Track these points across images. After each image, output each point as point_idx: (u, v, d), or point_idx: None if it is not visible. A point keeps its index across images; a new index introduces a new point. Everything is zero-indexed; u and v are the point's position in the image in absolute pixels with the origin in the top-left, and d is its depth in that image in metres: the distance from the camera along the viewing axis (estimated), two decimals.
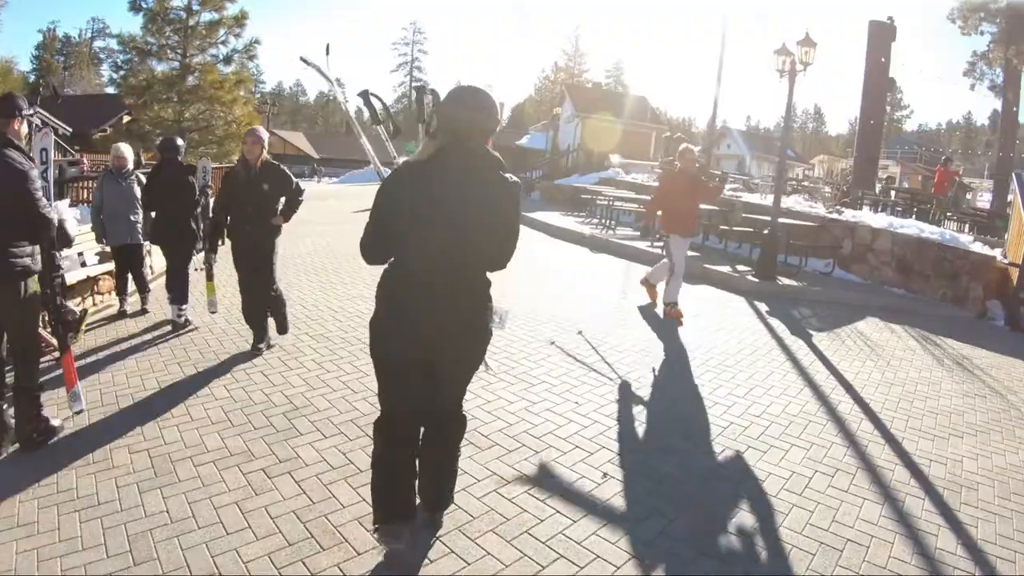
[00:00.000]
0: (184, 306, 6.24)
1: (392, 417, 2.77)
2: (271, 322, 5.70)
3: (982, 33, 26.68)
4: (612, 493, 3.46)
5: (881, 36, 20.26)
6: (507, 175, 2.62)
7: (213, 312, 6.46)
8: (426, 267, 2.56)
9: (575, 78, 68.00)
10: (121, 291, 6.93)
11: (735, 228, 11.67)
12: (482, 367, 2.96)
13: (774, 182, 13.37)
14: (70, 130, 19.83)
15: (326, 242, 11.72)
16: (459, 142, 2.56)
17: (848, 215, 12.15)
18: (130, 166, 7.01)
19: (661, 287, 7.63)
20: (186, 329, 6.16)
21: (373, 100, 3.99)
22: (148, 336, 5.98)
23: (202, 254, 6.36)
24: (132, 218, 6.76)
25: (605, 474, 3.64)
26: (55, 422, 3.92)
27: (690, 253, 11.44)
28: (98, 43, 69.18)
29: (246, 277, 5.54)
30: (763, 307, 8.45)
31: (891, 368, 6.18)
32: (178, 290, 6.22)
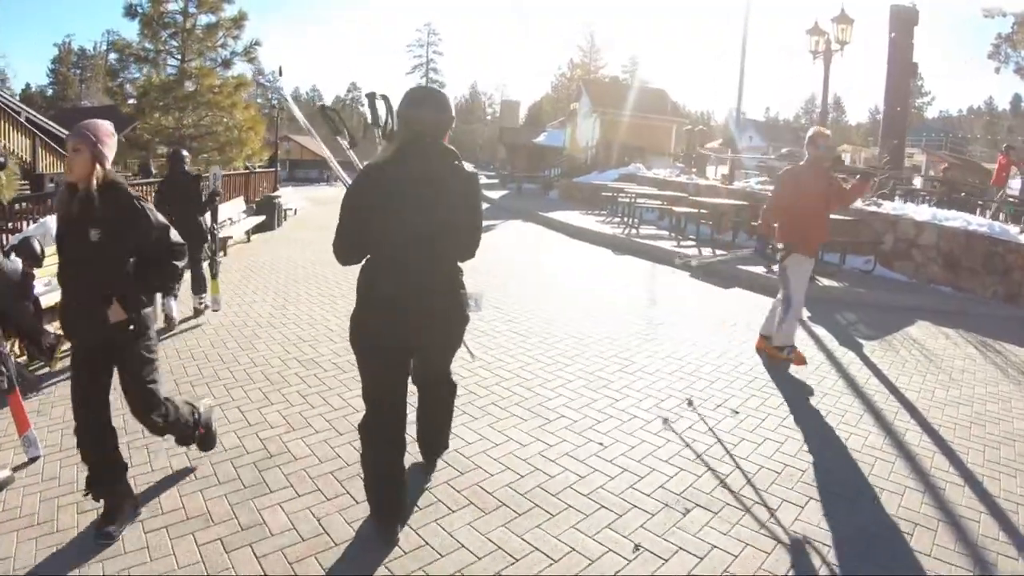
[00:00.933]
0: (204, 295, 6.92)
1: (376, 415, 2.86)
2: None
3: (1005, 15, 26.19)
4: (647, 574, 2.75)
5: (903, 20, 19.88)
6: (464, 166, 2.76)
7: (216, 310, 6.97)
8: (398, 261, 2.68)
9: (592, 74, 67.02)
10: None
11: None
12: (468, 356, 3.17)
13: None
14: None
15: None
16: (418, 141, 2.68)
17: (888, 207, 11.29)
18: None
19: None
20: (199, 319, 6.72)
21: (329, 114, 4.31)
22: None
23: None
24: None
25: (637, 546, 2.92)
26: (2, 473, 3.40)
27: (721, 253, 10.93)
28: (113, 55, 69.45)
29: (85, 388, 3.01)
30: (804, 312, 7.67)
31: (954, 383, 5.39)
32: (195, 283, 6.88)
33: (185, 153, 7.42)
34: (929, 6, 20.87)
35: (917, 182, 21.41)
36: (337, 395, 4.57)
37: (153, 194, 7.33)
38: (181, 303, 6.72)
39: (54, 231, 3.31)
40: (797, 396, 4.86)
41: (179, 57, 12.69)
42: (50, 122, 24.52)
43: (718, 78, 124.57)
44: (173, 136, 12.73)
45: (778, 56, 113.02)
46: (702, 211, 12.25)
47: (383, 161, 2.71)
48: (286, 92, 4.72)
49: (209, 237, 7.13)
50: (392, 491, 2.85)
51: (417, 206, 2.63)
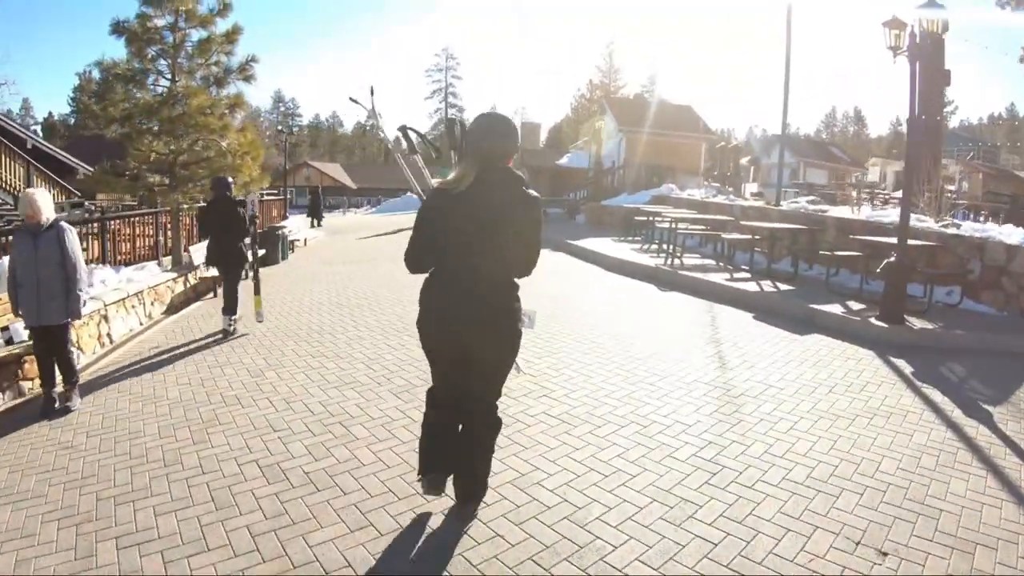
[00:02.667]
0: (234, 317, 7.32)
1: (439, 386, 3.23)
2: None
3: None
4: None
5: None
6: (529, 191, 2.96)
7: (260, 321, 7.60)
8: (460, 275, 2.92)
9: (612, 94, 65.76)
10: (45, 380, 5.27)
11: (836, 252, 9.29)
12: (514, 370, 3.28)
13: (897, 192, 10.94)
14: (91, 169, 18.45)
15: (339, 289, 9.73)
16: (485, 165, 2.90)
17: (968, 228, 9.69)
18: (47, 217, 5.09)
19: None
20: (233, 337, 7.16)
21: (410, 133, 4.73)
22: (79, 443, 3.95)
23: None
24: (59, 288, 5.04)
25: None
26: None
27: (785, 287, 9.41)
28: (98, 76, 69.54)
29: None
30: (903, 365, 6.11)
31: None
32: (230, 304, 7.30)
33: (230, 179, 7.95)
34: (961, 7, 19.58)
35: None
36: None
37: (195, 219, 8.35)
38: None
39: None
40: (926, 491, 3.27)
41: (169, 77, 11.40)
42: (59, 151, 23.74)
43: (738, 95, 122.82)
44: (163, 163, 11.43)
45: (796, 70, 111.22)
46: (756, 237, 10.72)
47: (454, 182, 2.91)
48: (380, 113, 5.07)
49: (249, 257, 7.80)
50: (443, 444, 3.19)
51: (480, 226, 2.83)
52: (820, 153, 41.50)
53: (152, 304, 9.15)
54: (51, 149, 22.90)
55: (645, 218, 14.39)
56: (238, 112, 12.29)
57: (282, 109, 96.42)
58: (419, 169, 4.65)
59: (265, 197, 19.21)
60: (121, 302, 8.19)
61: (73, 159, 22.61)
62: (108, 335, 7.66)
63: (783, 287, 9.19)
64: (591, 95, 79.53)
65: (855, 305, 8.15)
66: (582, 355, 6.11)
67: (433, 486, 3.19)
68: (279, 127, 38.47)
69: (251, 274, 7.88)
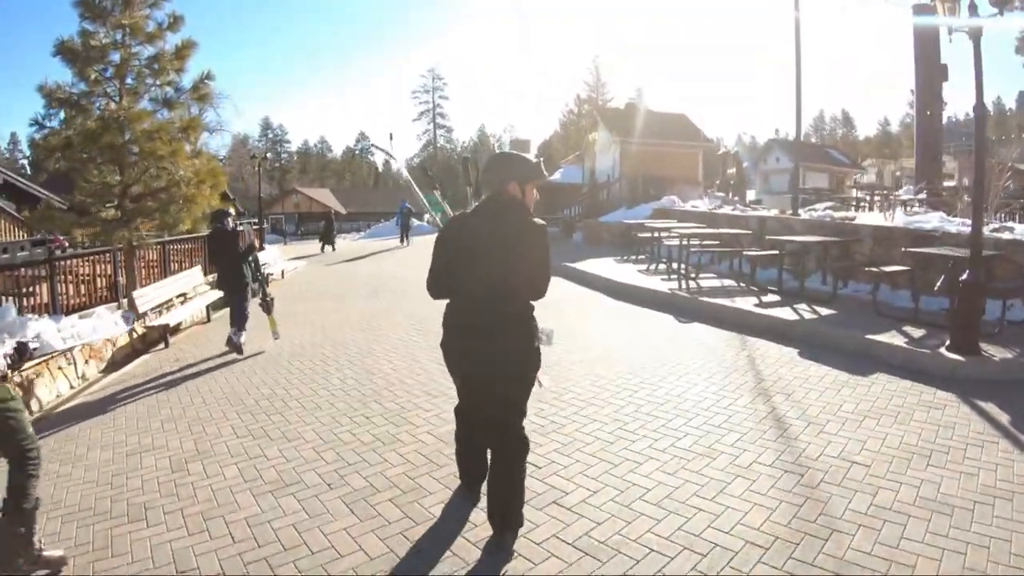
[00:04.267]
0: (242, 332, 7.77)
1: (465, 405, 3.48)
2: None
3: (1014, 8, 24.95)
4: None
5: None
6: (534, 220, 3.12)
7: (276, 339, 8.21)
8: (474, 299, 3.10)
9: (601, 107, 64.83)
10: None
11: (883, 268, 8.00)
12: (536, 385, 3.28)
13: (969, 195, 9.67)
14: (66, 205, 16.99)
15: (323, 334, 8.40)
16: (490, 192, 3.19)
17: (1022, 232, 8.48)
18: None
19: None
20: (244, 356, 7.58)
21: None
22: None
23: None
24: None
25: None
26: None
27: (824, 311, 8.07)
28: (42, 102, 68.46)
29: None
30: (997, 413, 4.86)
31: None
32: (238, 320, 7.82)
33: (231, 211, 8.55)
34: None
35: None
36: None
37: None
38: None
39: None
40: None
41: (117, 99, 10.14)
42: (31, 185, 22.27)
43: (724, 103, 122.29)
44: (111, 195, 10.17)
45: (775, 74, 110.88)
46: (781, 252, 9.47)
47: (468, 214, 3.26)
48: (398, 156, 4.87)
49: (257, 282, 8.32)
50: (474, 457, 3.56)
51: (490, 253, 3.04)
52: (818, 156, 40.40)
53: (87, 362, 7.80)
54: (24, 183, 21.50)
55: (650, 234, 13.13)
56: (192, 136, 10.99)
57: (270, 136, 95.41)
58: (437, 200, 4.81)
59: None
60: (44, 363, 6.86)
61: (44, 192, 21.16)
62: (26, 405, 6.31)
63: (822, 311, 7.90)
64: (579, 110, 78.65)
65: (913, 331, 6.89)
66: (601, 427, 4.81)
67: (469, 490, 3.62)
68: (252, 154, 36.74)
69: (261, 295, 8.41)
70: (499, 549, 3.14)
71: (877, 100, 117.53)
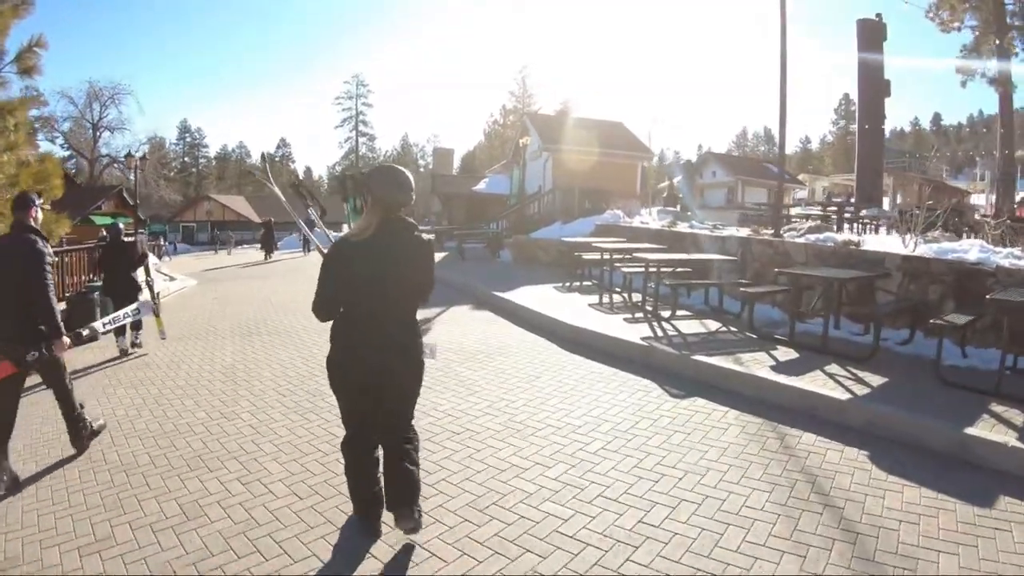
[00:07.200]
0: (139, 332, 8.15)
1: (352, 434, 3.32)
2: None
3: (959, 29, 25.65)
4: None
5: (871, 34, 18.82)
6: (421, 235, 3.23)
7: (163, 339, 8.33)
8: (366, 315, 3.12)
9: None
10: None
11: (951, 319, 5.72)
12: (427, 355, 3.36)
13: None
14: None
15: None
16: (386, 215, 3.13)
17: None
18: None
19: None
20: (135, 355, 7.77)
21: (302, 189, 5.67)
22: None
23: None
24: None
25: None
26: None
27: (868, 376, 5.33)
28: (33, 112, 62.33)
29: None
30: None
31: None
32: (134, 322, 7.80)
33: (122, 225, 9.00)
34: (889, 18, 18.68)
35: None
36: None
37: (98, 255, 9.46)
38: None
39: None
40: None
41: None
42: None
43: (644, 114, 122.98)
44: None
45: (705, 90, 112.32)
46: (796, 288, 7.20)
47: (358, 232, 3.15)
48: (270, 178, 4.90)
49: (147, 288, 8.34)
50: (369, 487, 3.33)
51: (383, 270, 3.07)
52: (757, 171, 39.40)
53: None
54: None
55: (599, 256, 10.70)
56: (11, 122, 8.05)
57: (188, 139, 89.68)
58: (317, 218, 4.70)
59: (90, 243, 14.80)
60: None
61: None
62: None
63: (865, 375, 5.56)
64: (505, 120, 76.66)
65: (1002, 410, 4.66)
66: None
67: (366, 525, 3.35)
68: (127, 152, 32.10)
69: (153, 301, 8.17)
70: (409, 520, 3.15)
71: (797, 118, 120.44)
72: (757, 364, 5.94)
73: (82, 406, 4.63)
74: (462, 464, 4.17)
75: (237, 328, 9.37)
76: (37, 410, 5.34)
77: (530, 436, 4.60)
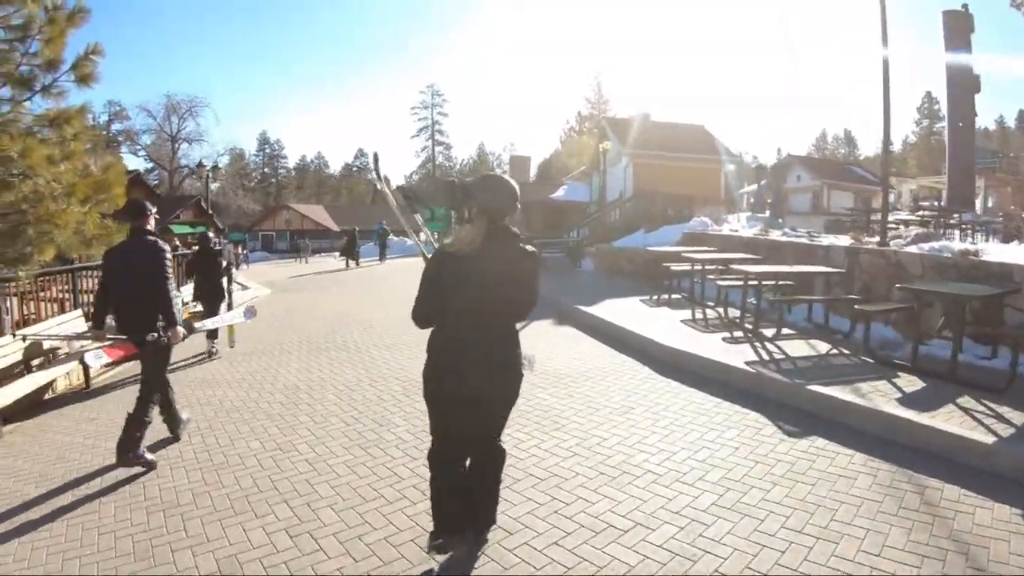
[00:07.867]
0: (214, 340, 8.57)
1: (441, 445, 3.25)
2: None
3: None
4: None
5: (959, 26, 17.24)
6: (526, 247, 3.15)
7: (232, 346, 8.59)
8: (467, 326, 3.05)
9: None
10: None
11: None
12: (526, 367, 3.23)
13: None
14: None
15: None
16: (492, 226, 3.07)
17: None
18: None
19: None
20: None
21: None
22: None
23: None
24: None
25: None
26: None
27: (1010, 413, 4.51)
28: (116, 126, 66.37)
29: None
30: None
31: None
32: (211, 331, 8.28)
33: (212, 234, 10.27)
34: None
35: None
36: None
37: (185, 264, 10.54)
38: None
39: None
40: None
41: None
42: None
43: (728, 120, 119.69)
44: None
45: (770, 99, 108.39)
46: (920, 306, 6.23)
47: (463, 244, 3.06)
48: (386, 179, 4.62)
49: (226, 296, 9.68)
50: (455, 505, 3.22)
51: (486, 283, 3.00)
52: (842, 174, 37.22)
53: None
54: None
55: (690, 267, 9.88)
56: (69, 131, 7.90)
57: (267, 151, 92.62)
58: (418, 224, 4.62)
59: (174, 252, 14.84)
60: None
61: None
62: None
63: (1009, 413, 4.73)
64: (580, 127, 75.81)
65: None
66: None
67: (446, 546, 3.22)
68: (202, 163, 32.73)
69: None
70: (478, 541, 3.29)
71: (875, 120, 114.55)
72: (880, 395, 5.15)
73: (171, 403, 5.07)
74: (548, 523, 3.60)
75: (304, 342, 9.08)
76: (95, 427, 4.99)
77: (627, 485, 3.99)
